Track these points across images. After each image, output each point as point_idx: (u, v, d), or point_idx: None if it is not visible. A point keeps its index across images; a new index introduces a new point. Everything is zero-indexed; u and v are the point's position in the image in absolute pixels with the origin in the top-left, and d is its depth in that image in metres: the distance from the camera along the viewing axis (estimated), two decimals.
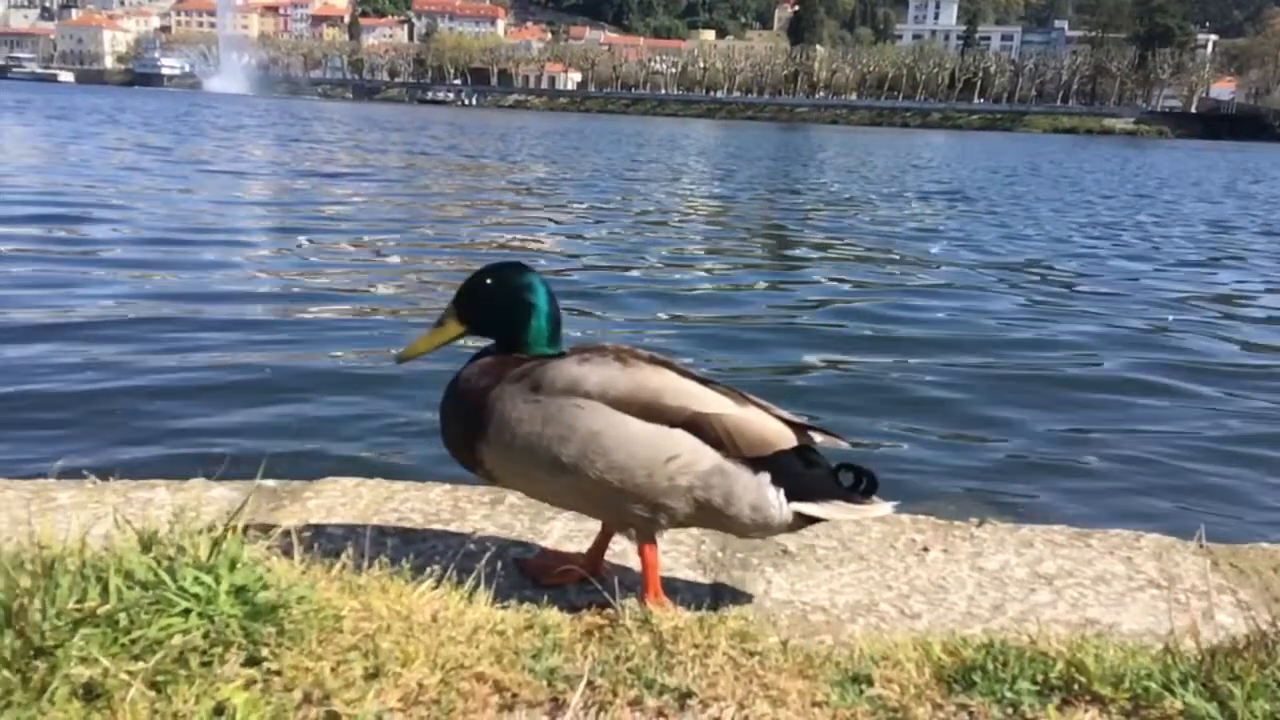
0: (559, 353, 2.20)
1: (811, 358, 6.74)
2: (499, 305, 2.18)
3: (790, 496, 2.11)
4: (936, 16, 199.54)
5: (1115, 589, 2.43)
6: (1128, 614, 2.31)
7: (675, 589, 2.33)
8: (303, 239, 11.32)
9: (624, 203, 17.62)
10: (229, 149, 26.98)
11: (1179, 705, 1.82)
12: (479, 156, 29.97)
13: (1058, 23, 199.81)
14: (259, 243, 10.85)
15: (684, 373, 2.17)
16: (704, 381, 2.16)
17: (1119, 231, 16.82)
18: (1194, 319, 9.05)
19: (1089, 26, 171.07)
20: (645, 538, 2.17)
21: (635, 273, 10.11)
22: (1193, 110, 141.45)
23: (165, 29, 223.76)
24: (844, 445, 2.20)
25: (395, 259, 10.40)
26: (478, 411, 2.10)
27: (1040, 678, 1.89)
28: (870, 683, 1.86)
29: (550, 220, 14.61)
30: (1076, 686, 1.87)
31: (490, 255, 10.94)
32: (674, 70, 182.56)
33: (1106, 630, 2.21)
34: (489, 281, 2.18)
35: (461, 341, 2.25)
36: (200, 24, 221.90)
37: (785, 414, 2.17)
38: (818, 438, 2.16)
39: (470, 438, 2.12)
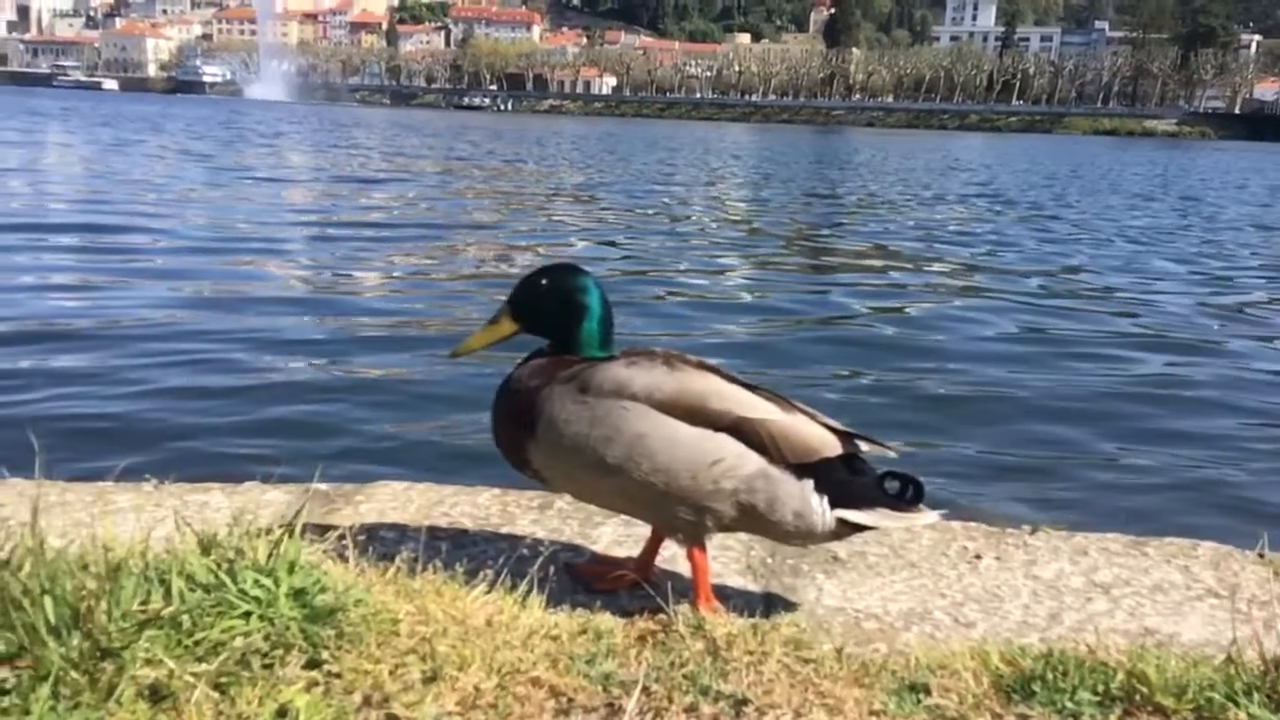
0: (609, 355, 2.21)
1: (849, 366, 6.68)
2: (552, 306, 2.21)
3: (834, 503, 2.10)
4: (974, 18, 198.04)
5: (1173, 598, 2.40)
6: (1187, 624, 2.28)
7: (726, 595, 2.32)
8: (341, 245, 11.43)
9: (658, 208, 17.63)
10: (270, 155, 27.31)
11: (1243, 717, 1.79)
12: (515, 161, 30.11)
13: (1098, 23, 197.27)
14: (298, 250, 10.93)
15: (730, 378, 2.18)
16: (750, 387, 2.17)
17: (1165, 235, 16.56)
18: (1245, 327, 8.88)
19: (1130, 27, 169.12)
20: (693, 540, 2.18)
21: (668, 278, 10.07)
22: (1236, 111, 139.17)
23: (207, 37, 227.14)
24: (890, 454, 2.18)
25: (433, 264, 10.46)
26: (527, 411, 2.13)
27: (1101, 688, 1.86)
28: (928, 691, 1.85)
29: (585, 225, 14.64)
30: (1138, 697, 1.84)
31: (525, 260, 10.95)
32: (709, 74, 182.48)
33: (1166, 640, 2.17)
34: (544, 282, 2.21)
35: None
36: (241, 32, 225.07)
37: (831, 421, 2.17)
38: (864, 446, 2.15)
39: (519, 437, 2.16)
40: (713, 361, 2.24)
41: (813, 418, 2.15)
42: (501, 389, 2.22)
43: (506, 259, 11.03)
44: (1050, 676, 1.88)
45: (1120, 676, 1.87)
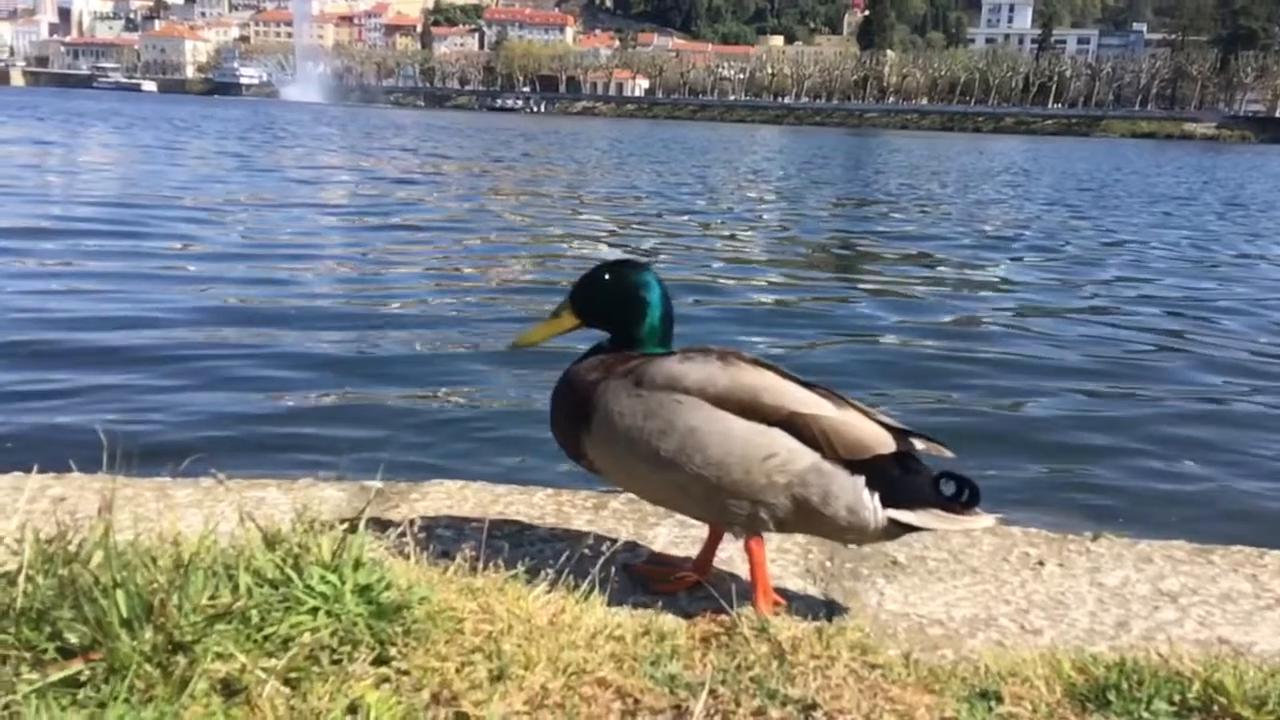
0: (668, 351, 2.21)
1: (893, 373, 6.63)
2: (614, 301, 2.22)
3: (886, 503, 2.08)
4: (1010, 20, 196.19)
5: (1243, 607, 2.35)
6: (1259, 633, 2.23)
7: (786, 597, 2.30)
8: (378, 245, 11.49)
9: (690, 212, 17.60)
10: (308, 156, 27.56)
11: None
12: (549, 162, 30.18)
13: (1136, 25, 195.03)
14: (339, 250, 11.00)
15: (785, 374, 2.18)
16: (805, 384, 2.16)
17: (1210, 243, 16.21)
18: None
19: (1168, 29, 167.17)
20: (750, 532, 2.17)
21: (700, 287, 9.97)
22: (1277, 115, 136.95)
23: (244, 39, 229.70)
24: (947, 454, 2.15)
25: (471, 266, 10.50)
26: (584, 404, 2.15)
27: (1177, 698, 1.82)
28: (1000, 699, 1.82)
29: (615, 229, 14.63)
30: (1216, 708, 1.80)
31: (558, 264, 10.96)
32: (741, 76, 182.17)
33: (1240, 650, 2.13)
34: (606, 277, 2.22)
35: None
36: (278, 34, 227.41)
37: (886, 418, 2.15)
38: (919, 444, 2.13)
39: (575, 430, 2.18)
40: (766, 360, 2.23)
41: (867, 414, 2.14)
42: (561, 382, 2.24)
43: (541, 261, 11.06)
44: (1125, 685, 1.85)
45: (1196, 686, 1.84)
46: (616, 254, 11.75)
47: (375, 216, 14.32)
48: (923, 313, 9.03)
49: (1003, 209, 20.72)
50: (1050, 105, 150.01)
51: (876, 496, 2.08)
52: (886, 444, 2.09)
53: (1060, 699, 1.83)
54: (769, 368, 2.18)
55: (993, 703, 1.82)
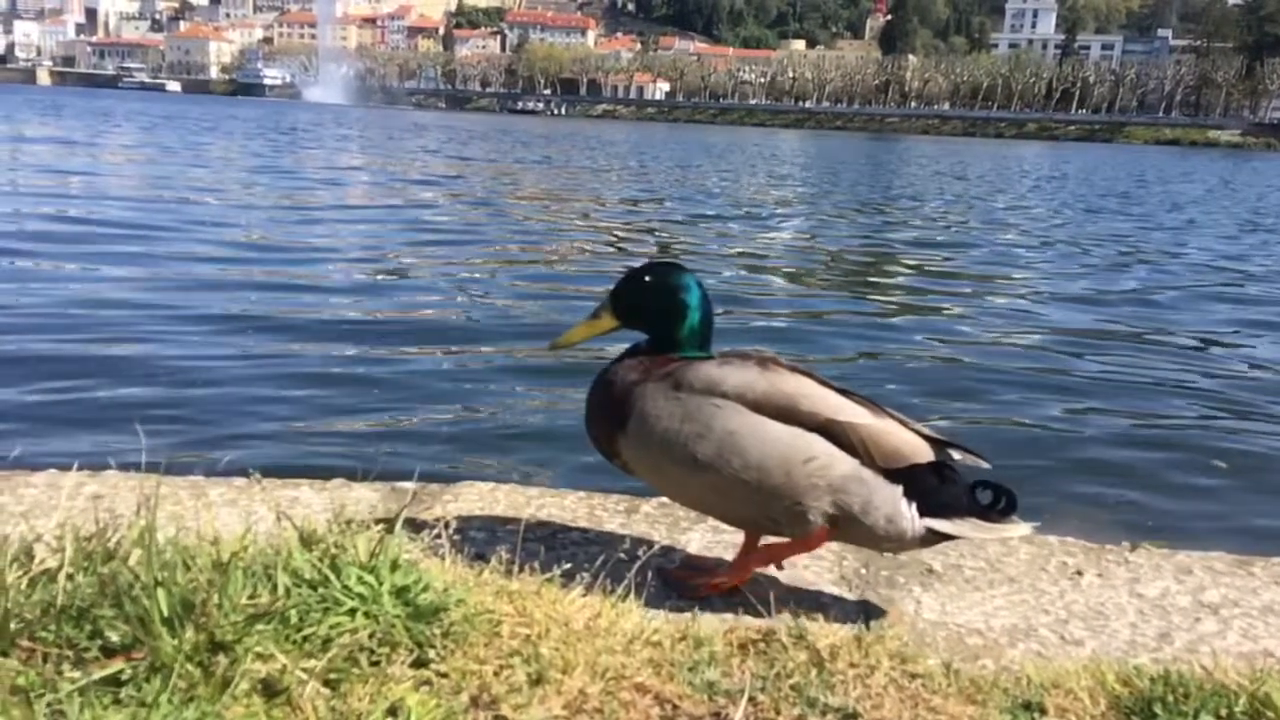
0: (706, 355, 2.20)
1: (918, 384, 6.55)
2: (653, 303, 2.21)
3: (923, 511, 2.08)
4: (1034, 25, 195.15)
5: None
6: None
7: (822, 604, 2.28)
8: (404, 247, 11.53)
9: (709, 217, 17.57)
10: (331, 156, 27.71)
11: None
12: (568, 165, 30.21)
13: (1160, 32, 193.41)
14: (364, 255, 11.01)
15: (823, 382, 2.17)
16: (843, 391, 2.16)
17: (1244, 254, 15.94)
18: None
19: (1193, 35, 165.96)
20: (802, 531, 2.14)
21: (720, 296, 9.84)
22: None
23: (268, 40, 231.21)
24: (984, 465, 2.14)
25: (495, 269, 10.51)
26: (621, 405, 2.15)
27: (1224, 712, 1.80)
28: (1043, 711, 1.80)
29: (636, 234, 14.62)
30: None
31: (578, 269, 10.96)
32: (763, 80, 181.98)
33: None
34: (646, 279, 2.22)
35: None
36: (301, 35, 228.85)
37: (923, 428, 2.14)
38: (956, 455, 2.12)
39: (611, 430, 2.18)
40: (805, 366, 2.22)
41: (904, 424, 2.13)
42: (597, 380, 2.23)
43: (564, 262, 11.06)
44: (1170, 699, 1.82)
45: (1243, 700, 1.81)
46: (656, 257, 11.74)
47: (399, 220, 14.33)
48: (949, 322, 8.98)
49: (1030, 216, 20.58)
50: (1073, 111, 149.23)
51: (914, 505, 2.07)
52: (924, 453, 2.08)
53: (1105, 712, 1.80)
54: (807, 374, 2.17)
55: (1036, 715, 1.79)
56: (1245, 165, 64.74)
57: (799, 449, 2.05)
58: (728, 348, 2.27)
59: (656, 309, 2.21)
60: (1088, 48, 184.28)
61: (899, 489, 2.06)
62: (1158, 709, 1.80)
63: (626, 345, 2.30)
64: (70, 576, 1.83)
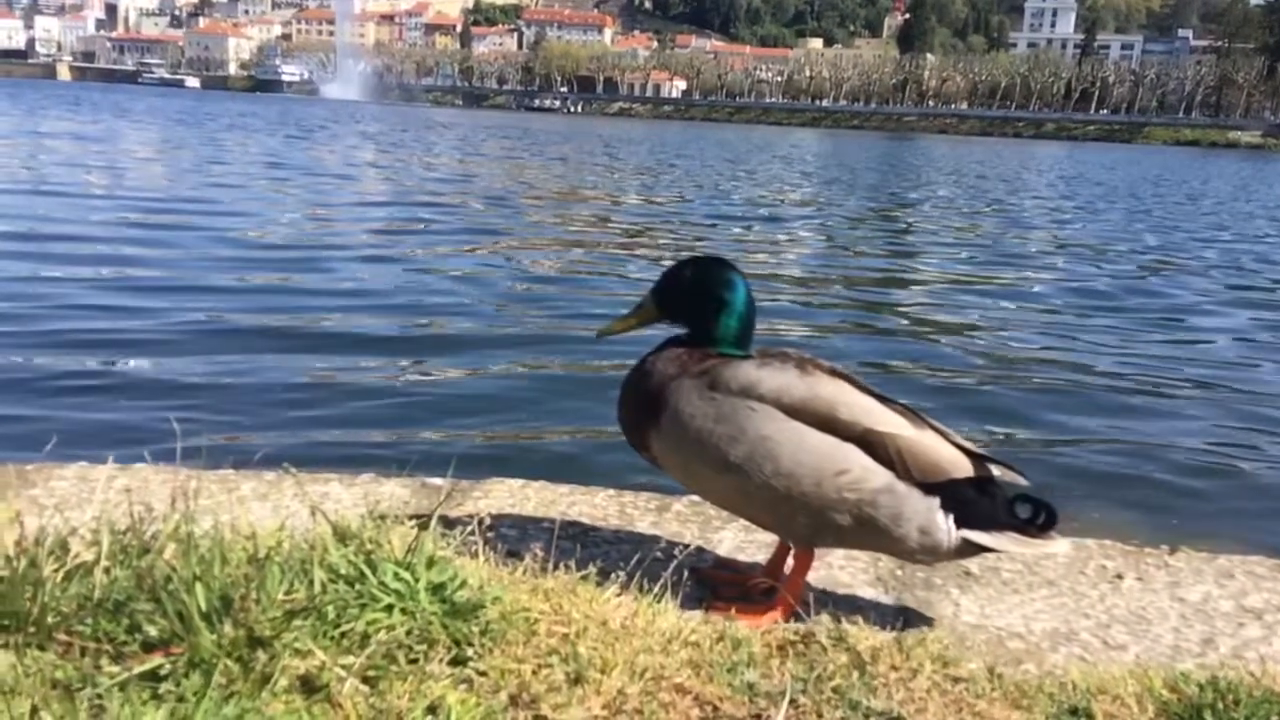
0: (745, 354, 2.16)
1: (945, 390, 6.52)
2: (695, 297, 2.17)
3: (960, 523, 2.04)
4: (1053, 25, 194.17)
5: None
6: None
7: (859, 606, 2.26)
8: (424, 244, 11.53)
9: (727, 217, 17.52)
10: (349, 152, 27.79)
11: None
12: (583, 164, 30.18)
13: (1181, 32, 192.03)
14: (387, 252, 10.99)
15: (864, 388, 2.12)
16: (882, 399, 2.11)
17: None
18: None
19: (1214, 36, 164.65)
20: (804, 545, 2.14)
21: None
22: None
23: (286, 37, 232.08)
24: (1022, 482, 2.09)
25: (517, 267, 10.50)
26: (655, 399, 2.12)
27: (1276, 719, 1.76)
28: (1091, 717, 1.76)
29: (653, 234, 14.58)
30: None
31: (589, 272, 10.92)
32: (779, 78, 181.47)
33: None
34: (688, 272, 2.19)
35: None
36: (319, 32, 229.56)
37: (964, 442, 2.09)
38: (995, 470, 2.07)
39: (643, 424, 2.15)
40: (844, 369, 2.17)
41: (945, 436, 2.08)
42: (633, 372, 2.20)
43: (580, 260, 11.04)
44: (1219, 706, 1.79)
45: None
46: (695, 254, 11.69)
47: (420, 217, 14.33)
48: (977, 326, 8.93)
49: (1053, 218, 20.44)
50: (1092, 111, 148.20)
51: (951, 518, 2.03)
52: (963, 468, 2.03)
53: (1154, 718, 1.77)
54: (847, 379, 2.12)
55: None
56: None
57: (834, 460, 2.01)
58: (765, 345, 2.24)
59: (697, 303, 2.17)
60: (1107, 47, 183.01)
61: (935, 501, 2.02)
62: (1207, 715, 1.76)
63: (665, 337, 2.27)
64: (107, 570, 1.82)
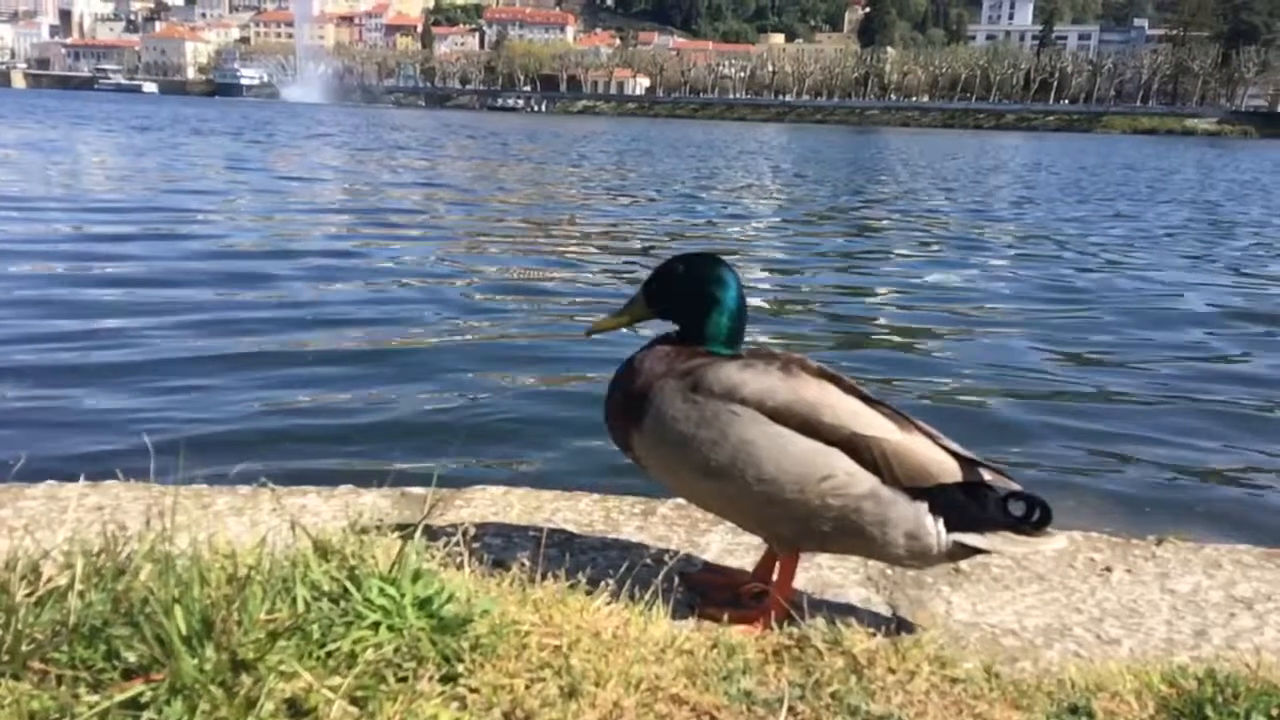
0: (734, 353, 2.13)
1: (921, 377, 6.54)
2: (686, 293, 2.14)
3: (951, 526, 1.99)
4: (1011, 16, 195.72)
5: None
6: None
7: (851, 607, 2.24)
8: (396, 248, 11.42)
9: (694, 215, 17.50)
10: (308, 156, 27.52)
11: None
12: (546, 164, 30.06)
13: (1137, 21, 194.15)
14: (361, 258, 10.89)
15: (851, 389, 2.07)
16: (870, 400, 2.06)
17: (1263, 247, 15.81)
18: None
19: (1170, 25, 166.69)
20: (787, 549, 2.11)
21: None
22: (1278, 110, 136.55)
23: (244, 40, 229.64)
24: (1014, 486, 2.05)
25: (492, 269, 10.42)
26: (639, 399, 2.08)
27: (1275, 711, 1.75)
28: (1091, 715, 1.75)
29: (622, 233, 14.53)
30: None
31: (578, 266, 10.86)
32: (742, 74, 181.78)
33: None
34: (681, 269, 2.15)
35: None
36: (278, 35, 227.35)
37: (953, 445, 2.05)
38: (986, 475, 2.03)
39: (627, 423, 2.11)
40: (832, 370, 2.14)
41: (934, 439, 2.04)
42: (621, 369, 2.16)
43: (556, 262, 10.98)
44: (1219, 699, 1.78)
45: None
46: (688, 250, 11.62)
47: (382, 223, 14.18)
48: (946, 321, 8.96)
49: (1020, 209, 20.59)
50: (1052, 101, 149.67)
51: (940, 521, 1.99)
52: (952, 473, 1.99)
53: (1154, 715, 1.76)
54: (834, 379, 2.08)
55: (1084, 719, 1.75)
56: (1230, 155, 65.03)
57: (817, 466, 1.97)
58: (754, 344, 2.21)
59: (687, 300, 2.13)
60: (1065, 38, 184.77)
61: (923, 506, 1.98)
62: (1208, 710, 1.75)
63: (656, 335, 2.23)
64: (81, 594, 1.75)
